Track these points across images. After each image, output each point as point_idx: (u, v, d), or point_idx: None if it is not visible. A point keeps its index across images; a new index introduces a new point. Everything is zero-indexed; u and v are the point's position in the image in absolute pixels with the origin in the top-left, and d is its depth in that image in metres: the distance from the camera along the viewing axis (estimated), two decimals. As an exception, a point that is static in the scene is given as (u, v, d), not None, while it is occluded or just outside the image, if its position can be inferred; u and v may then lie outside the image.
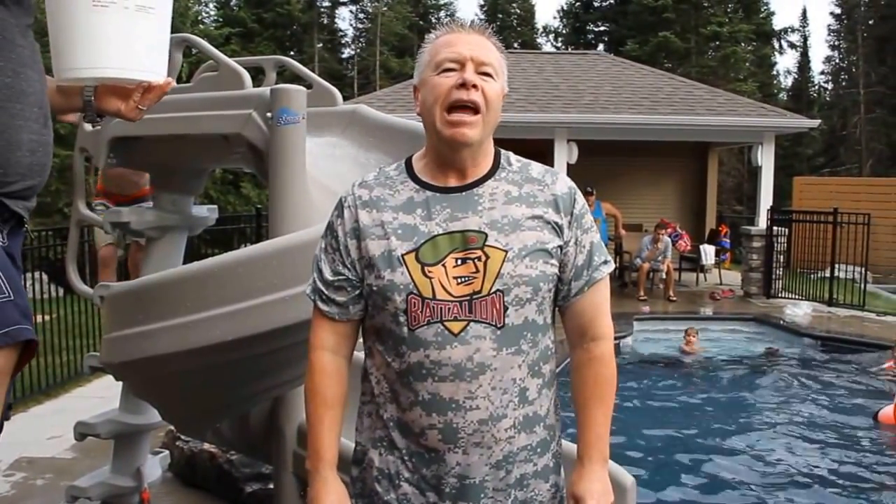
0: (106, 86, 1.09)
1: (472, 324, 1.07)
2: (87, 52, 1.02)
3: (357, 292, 1.14)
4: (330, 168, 1.98)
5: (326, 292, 1.15)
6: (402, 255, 1.08)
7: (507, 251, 1.08)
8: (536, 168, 1.18)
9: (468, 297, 1.07)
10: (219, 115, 1.89)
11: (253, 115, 1.79)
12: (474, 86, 1.08)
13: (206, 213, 2.45)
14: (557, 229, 1.12)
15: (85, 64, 1.02)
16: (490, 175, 1.14)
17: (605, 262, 1.17)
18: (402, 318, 1.08)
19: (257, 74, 2.32)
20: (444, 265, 1.08)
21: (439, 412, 1.08)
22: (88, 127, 2.19)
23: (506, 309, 1.08)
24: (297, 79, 2.23)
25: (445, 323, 1.07)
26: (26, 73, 0.99)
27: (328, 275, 1.15)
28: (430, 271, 1.08)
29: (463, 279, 1.08)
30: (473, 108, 1.08)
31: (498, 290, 1.07)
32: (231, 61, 1.99)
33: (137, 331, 1.66)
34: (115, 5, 1.00)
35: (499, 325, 1.08)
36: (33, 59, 1.01)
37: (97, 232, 3.95)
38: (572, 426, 1.22)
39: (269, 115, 1.75)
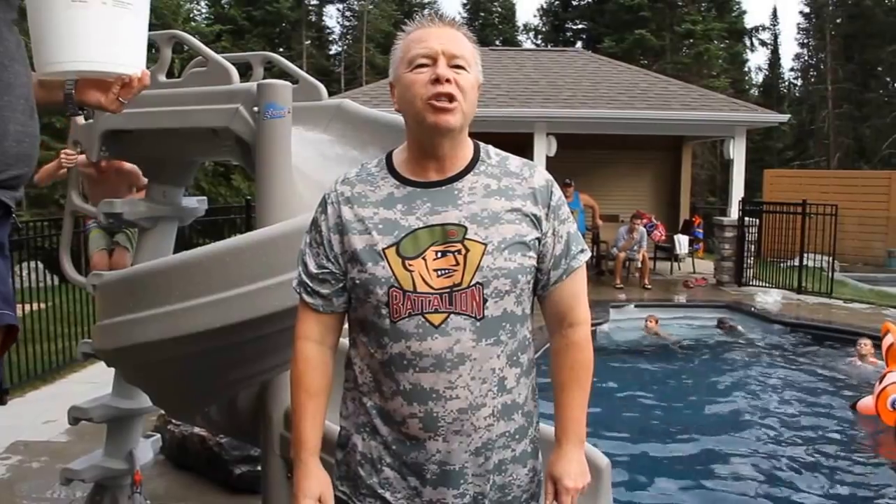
0: (86, 79, 1.11)
1: (452, 316, 1.09)
2: (67, 47, 1.03)
3: (341, 285, 1.16)
4: (315, 160, 2.00)
5: (311, 285, 1.17)
6: (383, 250, 1.10)
7: (486, 244, 1.10)
8: (514, 162, 1.20)
9: (448, 290, 1.09)
10: (207, 110, 1.90)
11: (240, 109, 1.81)
12: (448, 80, 1.09)
13: (196, 203, 2.47)
14: (535, 221, 1.14)
15: (65, 58, 1.04)
16: (469, 169, 1.16)
17: (582, 251, 1.20)
18: (383, 311, 1.10)
19: (246, 70, 2.35)
20: (424, 258, 1.09)
21: (420, 401, 1.10)
22: (81, 120, 2.22)
23: (485, 301, 1.09)
24: (284, 75, 2.26)
25: (426, 315, 1.09)
26: (13, 66, 1.00)
27: (313, 268, 1.17)
28: (410, 264, 1.09)
29: (443, 272, 1.09)
30: (449, 100, 1.10)
31: (477, 282, 1.09)
32: (219, 57, 2.00)
33: (128, 318, 1.68)
34: (93, 0, 1.02)
35: (478, 317, 1.09)
36: (19, 53, 1.03)
37: (90, 240, 3.99)
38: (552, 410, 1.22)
39: (255, 109, 1.77)
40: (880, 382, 4.40)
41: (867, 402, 4.42)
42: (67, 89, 1.11)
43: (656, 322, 6.84)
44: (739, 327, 7.06)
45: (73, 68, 1.06)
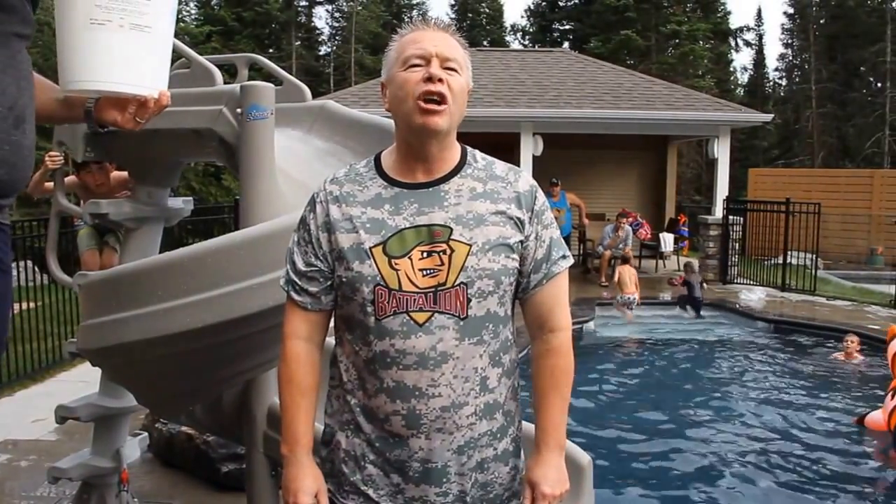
0: (106, 97, 1.15)
1: (436, 314, 1.10)
2: (86, 66, 1.07)
3: (328, 283, 1.18)
4: (298, 161, 2.01)
5: (299, 283, 1.18)
6: (370, 248, 1.11)
7: (471, 245, 1.11)
8: (500, 166, 1.22)
9: (433, 289, 1.10)
10: (191, 111, 1.90)
11: (224, 110, 1.82)
12: (440, 80, 1.12)
13: (181, 204, 2.48)
14: (519, 224, 1.16)
15: (83, 77, 1.07)
16: (456, 172, 1.17)
17: (564, 257, 1.21)
18: (369, 309, 1.11)
19: (236, 72, 2.37)
20: (410, 258, 1.11)
21: (403, 399, 1.11)
22: None
23: (469, 301, 1.11)
24: (271, 76, 2.28)
25: (411, 313, 1.10)
26: None
27: (301, 266, 1.18)
28: (396, 263, 1.11)
29: (428, 271, 1.11)
30: (440, 100, 1.12)
31: (462, 282, 1.11)
32: (202, 59, 2.02)
33: (111, 318, 1.67)
34: (110, 23, 1.06)
35: (462, 317, 1.11)
36: (7, 64, 1.03)
37: (79, 238, 3.99)
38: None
39: (239, 110, 1.78)
40: (892, 398, 4.03)
41: (876, 417, 4.14)
42: (88, 107, 1.16)
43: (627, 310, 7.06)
44: (693, 278, 7.27)
45: (89, 87, 1.10)
